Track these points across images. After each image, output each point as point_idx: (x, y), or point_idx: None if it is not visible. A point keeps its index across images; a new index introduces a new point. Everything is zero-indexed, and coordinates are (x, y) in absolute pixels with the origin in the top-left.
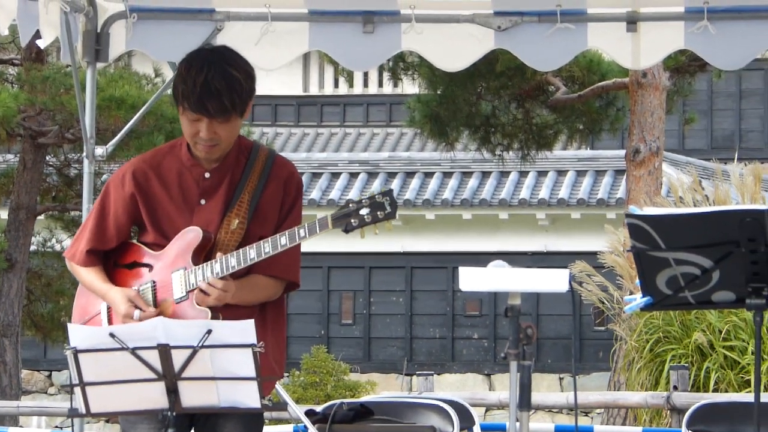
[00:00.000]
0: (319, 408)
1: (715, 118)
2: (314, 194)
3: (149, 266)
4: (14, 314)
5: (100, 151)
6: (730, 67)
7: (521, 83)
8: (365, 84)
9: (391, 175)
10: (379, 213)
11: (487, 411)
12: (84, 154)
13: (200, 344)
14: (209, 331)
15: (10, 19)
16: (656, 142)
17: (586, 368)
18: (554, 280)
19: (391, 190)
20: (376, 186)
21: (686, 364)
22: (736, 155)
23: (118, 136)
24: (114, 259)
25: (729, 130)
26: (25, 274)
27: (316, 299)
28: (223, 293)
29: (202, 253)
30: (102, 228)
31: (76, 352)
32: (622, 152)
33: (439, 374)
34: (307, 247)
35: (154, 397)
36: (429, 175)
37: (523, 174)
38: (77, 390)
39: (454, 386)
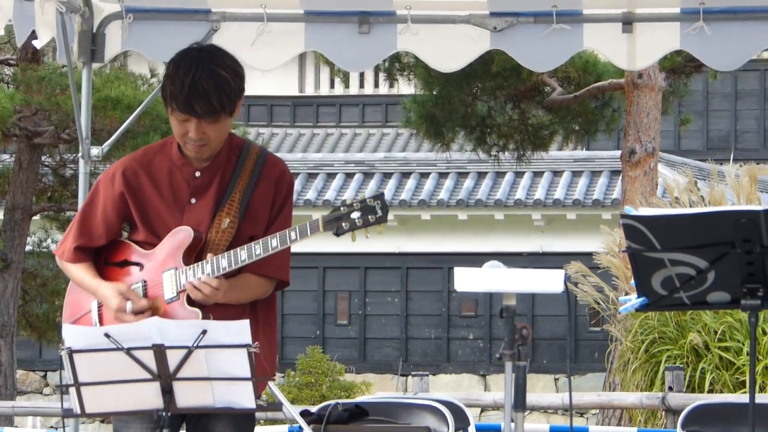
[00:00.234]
0: (314, 408)
1: (711, 118)
2: (310, 195)
3: (140, 265)
4: (9, 314)
5: (95, 151)
6: (725, 68)
7: (517, 84)
8: (361, 84)
9: (387, 175)
10: (370, 217)
11: (482, 412)
12: (80, 154)
13: (195, 344)
14: (204, 332)
15: (6, 20)
16: (652, 142)
17: (582, 369)
18: (549, 281)
19: (382, 194)
20: (371, 186)
21: (681, 365)
22: (732, 156)
23: (114, 137)
24: (105, 257)
25: (725, 131)
26: (21, 274)
27: (311, 299)
28: (215, 291)
29: (193, 253)
30: (90, 226)
31: (71, 352)
32: (618, 153)
33: (434, 375)
34: (302, 247)
35: (149, 397)
36: (425, 175)
37: (518, 174)
38: (72, 390)
39: (450, 387)
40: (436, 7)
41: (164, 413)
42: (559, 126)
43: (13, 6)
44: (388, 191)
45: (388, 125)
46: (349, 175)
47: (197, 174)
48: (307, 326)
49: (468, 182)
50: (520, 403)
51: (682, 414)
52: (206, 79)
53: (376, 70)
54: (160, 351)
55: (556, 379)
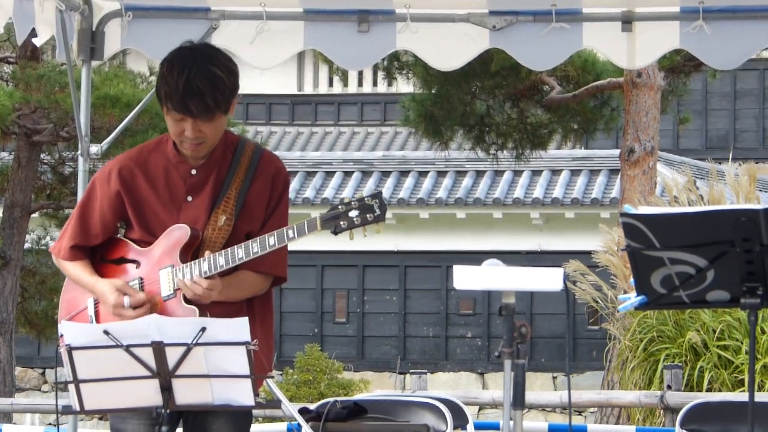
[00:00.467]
0: (312, 406)
1: (710, 118)
2: (308, 193)
3: (136, 262)
4: (8, 311)
5: (94, 149)
6: (725, 67)
7: (516, 83)
8: (360, 83)
9: (386, 174)
10: (368, 216)
11: (480, 410)
12: (79, 152)
13: (194, 342)
14: (203, 329)
15: (6, 18)
16: (651, 141)
17: (580, 367)
18: (549, 279)
19: (380, 193)
20: (370, 185)
21: (680, 364)
22: (731, 155)
23: (113, 135)
24: (101, 254)
25: (724, 130)
26: (19, 271)
27: (309, 297)
28: (209, 292)
29: (190, 251)
30: (86, 224)
31: (70, 349)
32: (617, 152)
33: (432, 373)
34: (300, 245)
35: (148, 394)
36: (423, 174)
37: (517, 173)
38: (71, 387)
39: (448, 385)
40: (435, 5)
41: (163, 410)
42: (558, 125)
43: (13, 4)
44: (387, 190)
45: (386, 124)
46: (348, 174)
47: (193, 172)
48: (305, 324)
49: (466, 181)
50: (519, 401)
51: (681, 412)
52: (201, 78)
53: (375, 68)
54: (159, 348)
55: (554, 378)
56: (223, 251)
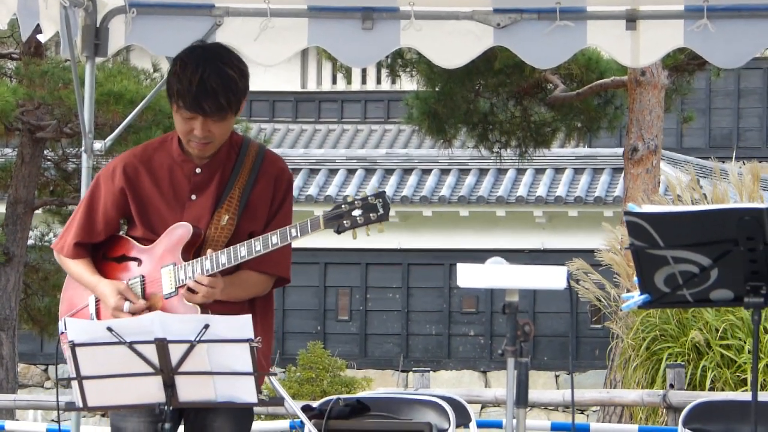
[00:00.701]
0: (315, 404)
1: (714, 116)
2: (311, 190)
3: (138, 260)
4: (11, 308)
5: (98, 145)
6: (729, 66)
7: (520, 81)
8: (363, 80)
9: (389, 171)
10: (371, 215)
11: (482, 408)
12: (82, 148)
13: (197, 339)
14: (206, 326)
15: (11, 14)
16: (654, 140)
17: (582, 366)
18: (552, 277)
19: (384, 192)
20: (373, 182)
21: (683, 363)
22: (734, 154)
23: (117, 131)
24: (102, 252)
25: (727, 129)
26: (23, 268)
27: (312, 295)
28: (211, 290)
29: (192, 249)
30: (91, 221)
31: (73, 346)
32: (620, 150)
33: (435, 371)
34: (303, 243)
35: (151, 391)
36: (426, 172)
37: (520, 171)
38: (74, 384)
39: (450, 383)
40: (439, 3)
41: (166, 407)
42: (562, 123)
43: (17, 0)
44: (390, 187)
45: (390, 121)
46: (351, 171)
47: (198, 170)
48: (308, 322)
49: (470, 179)
50: (522, 400)
51: (684, 411)
52: (214, 77)
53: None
54: (162, 345)
55: (557, 376)
56: (225, 249)
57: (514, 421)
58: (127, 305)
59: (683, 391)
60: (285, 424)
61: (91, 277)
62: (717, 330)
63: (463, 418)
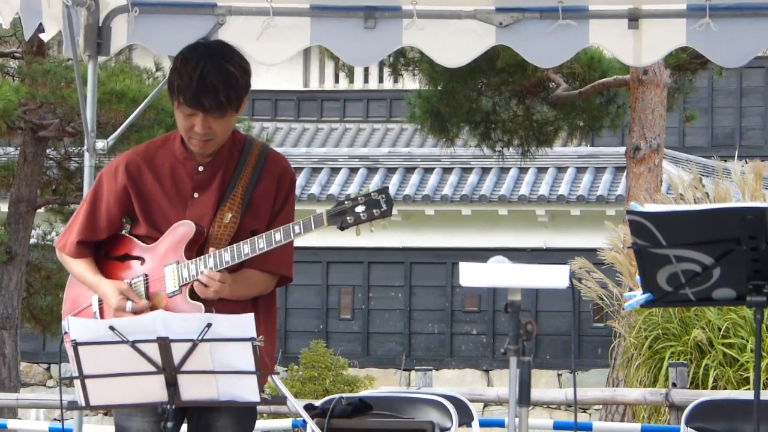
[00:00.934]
0: (317, 402)
1: (716, 115)
2: (314, 189)
3: (141, 259)
4: (14, 307)
5: (100, 144)
6: (731, 65)
7: (522, 80)
8: (365, 79)
9: (391, 170)
10: (375, 211)
11: (485, 407)
12: (85, 147)
13: (200, 338)
14: (209, 325)
15: (14, 13)
16: (657, 139)
17: (585, 365)
18: (555, 276)
19: (386, 188)
20: (375, 181)
21: (685, 361)
22: (737, 153)
23: (119, 130)
24: (105, 251)
25: (729, 128)
26: (25, 266)
27: (314, 294)
28: (222, 285)
29: (195, 247)
30: (93, 219)
31: (76, 345)
32: (623, 149)
33: (437, 370)
34: (305, 241)
35: (154, 390)
36: (429, 170)
37: (522, 170)
38: (77, 383)
39: (453, 382)
40: (441, 2)
41: (169, 406)
42: (564, 122)
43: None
44: (392, 186)
45: (392, 120)
46: (353, 170)
47: (200, 169)
48: (310, 320)
49: (472, 178)
50: (524, 398)
51: (687, 410)
52: (215, 74)
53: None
54: (165, 344)
55: (559, 375)
56: (228, 247)
57: (517, 419)
58: (129, 305)
59: (686, 389)
60: (287, 422)
61: (93, 277)
62: (719, 329)
63: (465, 417)
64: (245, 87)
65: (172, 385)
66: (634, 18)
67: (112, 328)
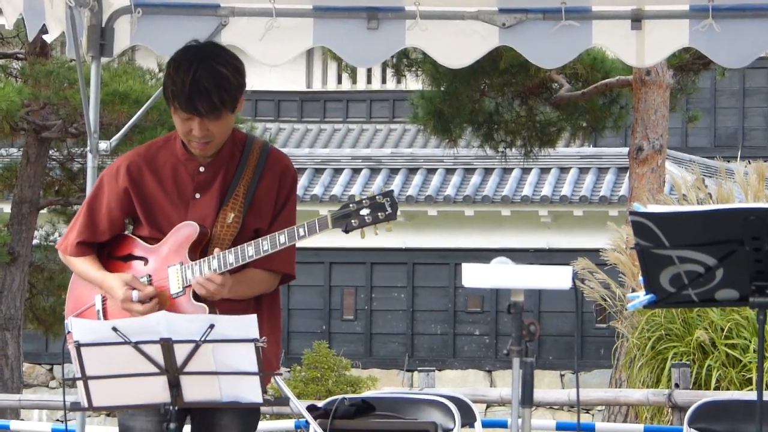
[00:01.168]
0: (320, 403)
1: (719, 116)
2: (317, 190)
3: (144, 259)
4: (16, 308)
5: (103, 145)
6: (734, 66)
7: (525, 80)
8: (368, 80)
9: (394, 171)
10: (379, 214)
11: (488, 408)
12: (87, 148)
13: (203, 339)
14: (212, 326)
15: (17, 14)
16: (659, 139)
17: (588, 365)
18: (558, 277)
19: (391, 191)
20: (378, 182)
21: (688, 362)
22: (740, 153)
23: (122, 131)
24: (108, 251)
25: (732, 129)
26: (28, 267)
27: (317, 294)
28: (221, 287)
29: (198, 248)
30: (94, 221)
31: (78, 346)
32: (625, 150)
33: (440, 370)
34: (308, 242)
35: (156, 391)
36: (431, 171)
37: (525, 171)
38: (80, 384)
39: (455, 382)
40: (444, 3)
41: (171, 407)
42: (567, 123)
43: (23, 1)
44: (395, 187)
45: (395, 121)
46: (356, 171)
47: (201, 169)
48: (313, 321)
49: (475, 178)
50: (527, 399)
51: (690, 411)
52: (206, 77)
53: (384, 65)
54: (167, 345)
55: (562, 376)
56: (233, 249)
57: (520, 420)
58: (135, 294)
59: (688, 390)
60: (290, 423)
61: (96, 272)
62: (722, 329)
63: (468, 418)
64: (239, 87)
65: (174, 386)
66: (637, 19)
67: (114, 329)
